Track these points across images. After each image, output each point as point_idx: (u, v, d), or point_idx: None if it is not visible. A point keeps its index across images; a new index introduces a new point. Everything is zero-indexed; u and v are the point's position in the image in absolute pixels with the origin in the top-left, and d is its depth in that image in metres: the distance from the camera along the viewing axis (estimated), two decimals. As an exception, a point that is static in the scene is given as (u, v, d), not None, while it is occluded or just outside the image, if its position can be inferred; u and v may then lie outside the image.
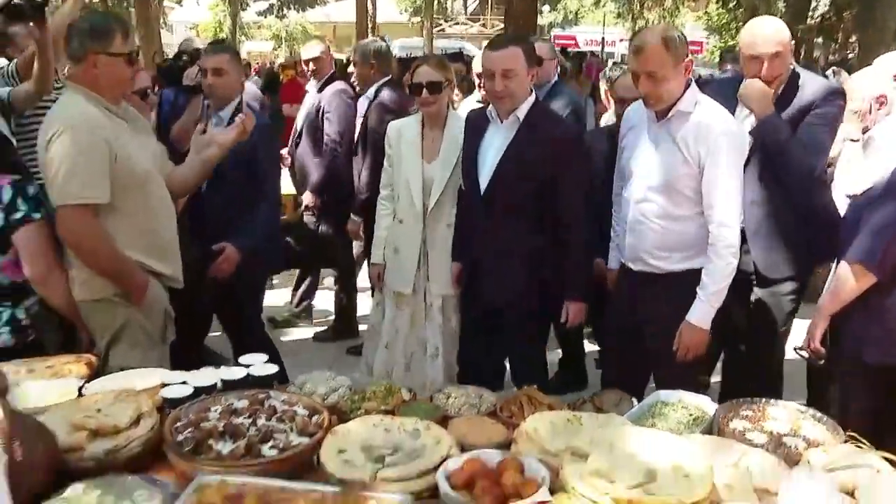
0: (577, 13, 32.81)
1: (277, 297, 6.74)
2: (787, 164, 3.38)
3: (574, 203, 3.34)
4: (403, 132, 3.93)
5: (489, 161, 3.41)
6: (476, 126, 3.56)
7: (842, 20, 20.64)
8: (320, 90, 5.61)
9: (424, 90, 3.75)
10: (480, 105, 4.18)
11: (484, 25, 39.88)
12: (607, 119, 5.18)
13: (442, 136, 3.82)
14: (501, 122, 3.41)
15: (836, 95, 3.51)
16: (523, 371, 3.48)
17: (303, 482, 1.98)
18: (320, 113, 5.51)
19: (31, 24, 3.45)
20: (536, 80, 3.52)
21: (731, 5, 22.54)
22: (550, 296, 3.47)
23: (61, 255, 3.06)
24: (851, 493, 1.83)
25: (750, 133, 3.45)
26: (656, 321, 3.24)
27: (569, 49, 19.81)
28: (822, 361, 3.18)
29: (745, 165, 3.24)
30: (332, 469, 2.02)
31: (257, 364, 2.63)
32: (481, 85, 4.23)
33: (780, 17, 18.90)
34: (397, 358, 3.93)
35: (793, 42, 3.52)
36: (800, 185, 3.47)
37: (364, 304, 6.10)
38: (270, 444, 2.14)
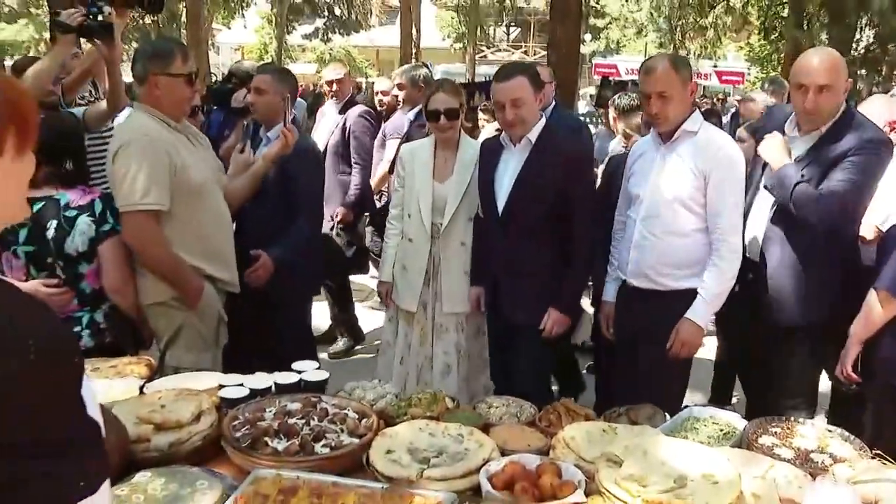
0: (618, 42, 32.93)
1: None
2: (799, 216, 3.28)
3: (583, 217, 3.49)
4: (416, 153, 4.02)
5: (505, 185, 3.55)
6: (491, 152, 3.70)
7: (886, 52, 20.53)
8: (341, 111, 5.83)
9: (442, 117, 3.83)
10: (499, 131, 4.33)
11: (526, 52, 40.17)
12: (614, 147, 5.30)
13: (455, 157, 3.91)
14: (514, 146, 3.56)
15: (875, 144, 3.22)
16: (528, 382, 3.50)
17: (353, 479, 2.13)
18: (346, 133, 5.70)
19: (100, 42, 3.68)
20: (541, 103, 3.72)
21: (773, 37, 22.53)
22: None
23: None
24: (874, 505, 1.93)
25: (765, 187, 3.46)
26: (652, 338, 3.35)
27: (610, 77, 19.93)
28: (854, 387, 3.26)
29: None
30: (381, 468, 2.15)
31: (309, 370, 2.78)
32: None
33: (824, 49, 18.90)
34: (411, 372, 4.02)
35: (848, 81, 3.35)
36: (813, 236, 3.34)
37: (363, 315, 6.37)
38: (323, 442, 2.29)
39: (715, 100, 21.18)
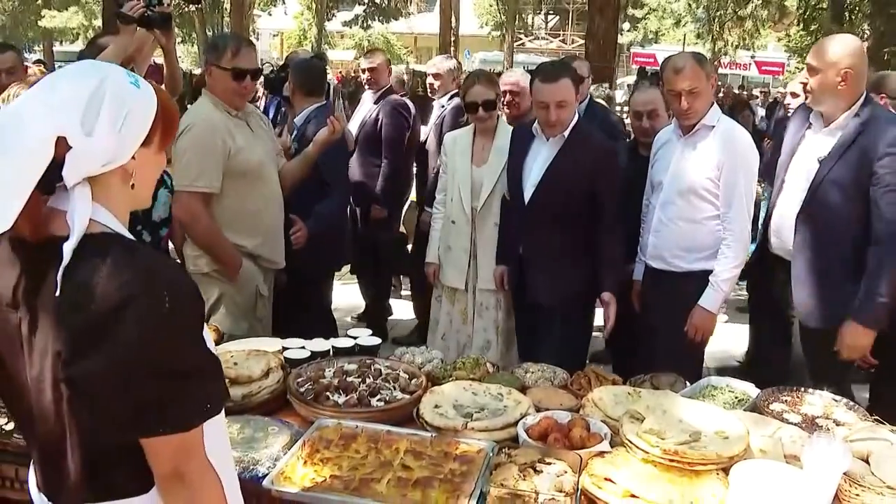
0: (657, 32, 32.80)
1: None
2: None
3: (612, 210, 3.63)
4: (458, 141, 4.21)
5: (534, 174, 3.68)
6: (521, 140, 3.81)
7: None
8: (377, 101, 5.73)
9: (480, 108, 3.99)
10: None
11: (563, 41, 40.16)
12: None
13: (492, 144, 4.07)
14: (547, 139, 3.66)
15: None
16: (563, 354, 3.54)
17: (405, 429, 2.41)
18: (378, 124, 5.60)
19: (159, 32, 3.79)
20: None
21: (812, 27, 22.39)
22: (590, 294, 3.74)
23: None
24: (866, 460, 2.17)
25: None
26: (663, 314, 3.58)
27: (647, 68, 19.98)
28: (871, 369, 3.50)
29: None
30: (429, 419, 2.44)
31: (363, 336, 3.09)
32: (505, 104, 4.49)
33: (866, 40, 18.60)
34: (452, 348, 4.20)
35: (847, 67, 3.20)
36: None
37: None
38: (378, 397, 2.58)
39: (752, 91, 21.11)
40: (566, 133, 3.61)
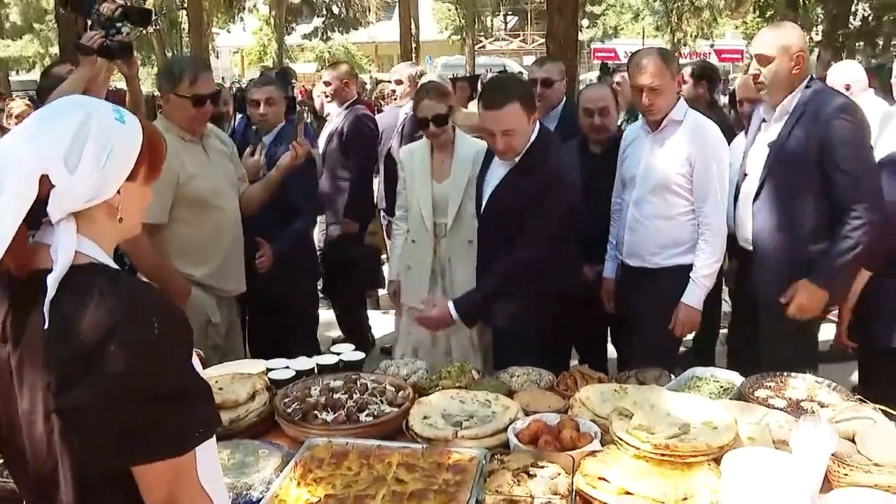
0: (616, 27, 33.08)
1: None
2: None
3: (529, 238, 3.29)
4: (415, 155, 4.01)
5: (487, 191, 3.48)
6: (489, 153, 3.57)
7: (882, 24, 20.65)
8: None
9: (431, 124, 3.81)
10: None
11: (524, 41, 40.34)
12: None
13: (451, 156, 3.89)
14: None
15: (851, 109, 3.23)
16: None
17: (395, 442, 2.41)
18: (343, 138, 5.50)
19: (121, 61, 3.71)
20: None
21: (768, 14, 22.69)
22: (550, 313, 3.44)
23: None
24: (852, 439, 2.20)
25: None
26: (644, 311, 3.58)
27: (609, 62, 20.14)
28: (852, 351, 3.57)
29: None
30: (419, 431, 2.44)
31: (347, 352, 3.08)
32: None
33: (819, 24, 18.85)
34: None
35: (799, 51, 3.25)
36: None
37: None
38: (366, 412, 2.58)
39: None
40: (517, 158, 3.32)
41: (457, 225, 3.85)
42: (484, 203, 3.49)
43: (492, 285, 3.37)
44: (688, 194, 3.47)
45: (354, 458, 2.31)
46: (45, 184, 1.33)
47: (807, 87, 3.28)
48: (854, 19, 20.99)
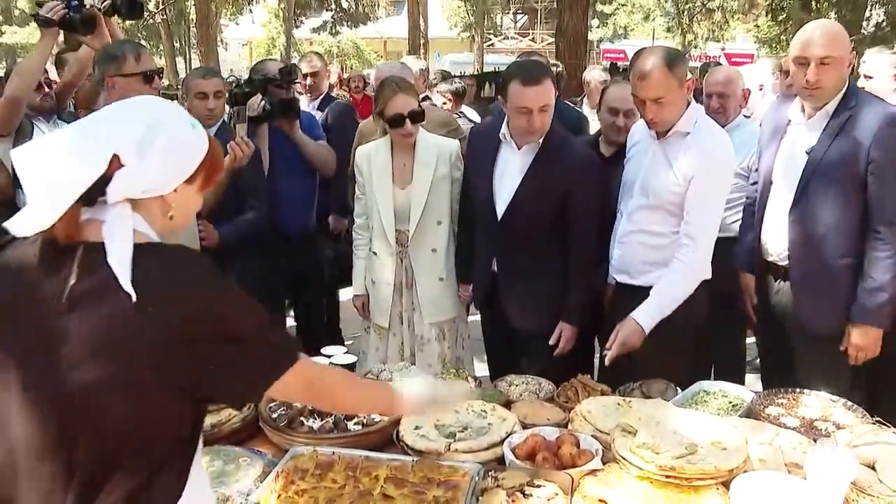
0: (626, 27, 32.92)
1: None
2: None
3: (584, 223, 3.29)
4: (373, 158, 3.66)
5: (507, 186, 3.31)
6: (483, 148, 3.43)
7: (896, 31, 20.47)
8: (320, 107, 5.38)
9: (407, 121, 3.47)
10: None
11: (533, 40, 40.15)
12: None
13: (413, 159, 3.58)
14: (519, 147, 3.31)
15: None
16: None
17: (384, 453, 2.28)
18: (326, 130, 5.14)
19: (87, 37, 3.63)
20: None
21: (780, 18, 22.49)
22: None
23: None
24: (872, 466, 2.06)
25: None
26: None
27: (618, 63, 19.96)
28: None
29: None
30: (411, 442, 2.30)
31: (338, 354, 2.95)
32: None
33: (832, 29, 18.78)
34: None
35: (853, 54, 3.08)
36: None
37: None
38: (355, 420, 2.45)
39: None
40: (539, 140, 3.24)
41: (419, 234, 3.60)
42: (505, 201, 3.30)
43: (583, 282, 3.32)
44: (681, 213, 3.09)
45: (340, 470, 2.19)
46: (115, 163, 1.39)
47: (848, 91, 3.02)
48: (868, 25, 20.80)
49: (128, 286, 1.34)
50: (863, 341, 3.00)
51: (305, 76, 5.46)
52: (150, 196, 1.47)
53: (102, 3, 3.43)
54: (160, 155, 1.44)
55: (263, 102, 4.14)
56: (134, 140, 1.42)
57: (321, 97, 5.47)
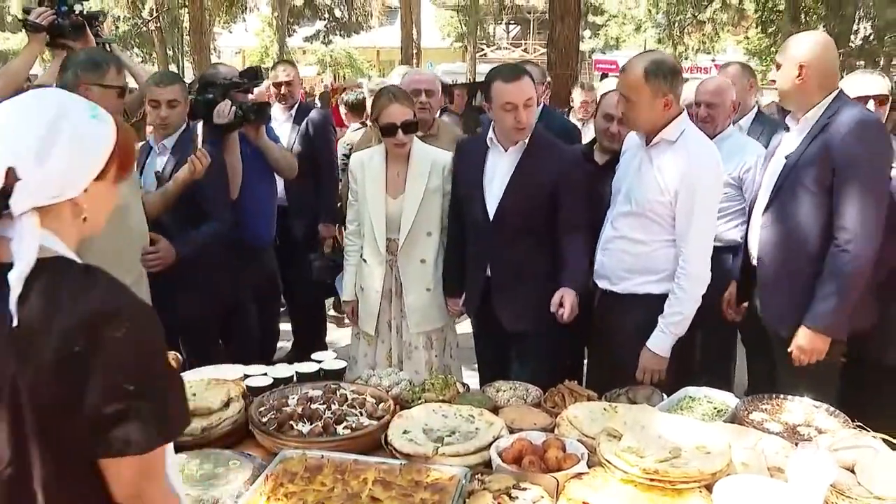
0: (618, 39, 33.03)
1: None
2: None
3: (575, 215, 3.33)
4: (367, 166, 3.67)
5: (496, 186, 3.37)
6: (471, 154, 3.51)
7: (883, 44, 20.63)
8: (296, 117, 5.34)
9: (400, 131, 3.47)
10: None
11: (526, 51, 40.27)
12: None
13: (407, 169, 3.59)
14: (506, 149, 3.37)
15: (867, 128, 2.99)
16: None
17: (373, 457, 2.30)
18: (308, 139, 5.24)
19: (74, 43, 3.60)
20: None
21: (770, 30, 22.63)
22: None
23: None
24: (851, 469, 2.10)
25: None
26: (618, 337, 3.29)
27: (610, 74, 20.06)
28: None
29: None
30: (399, 446, 2.33)
31: (328, 360, 2.97)
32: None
33: (821, 42, 18.89)
34: None
35: (814, 62, 3.07)
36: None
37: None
38: (344, 424, 2.48)
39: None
40: (525, 140, 3.32)
41: (409, 244, 3.60)
42: (495, 200, 3.36)
43: (579, 260, 3.32)
44: (662, 221, 3.14)
45: (329, 473, 2.21)
46: (10, 176, 1.29)
47: (834, 100, 3.05)
48: (855, 38, 20.94)
49: (12, 308, 1.25)
50: (808, 344, 3.01)
51: (279, 85, 5.39)
52: (59, 201, 1.36)
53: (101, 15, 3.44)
54: (61, 157, 1.33)
55: (234, 108, 4.00)
56: (29, 147, 1.31)
57: (295, 106, 5.40)
